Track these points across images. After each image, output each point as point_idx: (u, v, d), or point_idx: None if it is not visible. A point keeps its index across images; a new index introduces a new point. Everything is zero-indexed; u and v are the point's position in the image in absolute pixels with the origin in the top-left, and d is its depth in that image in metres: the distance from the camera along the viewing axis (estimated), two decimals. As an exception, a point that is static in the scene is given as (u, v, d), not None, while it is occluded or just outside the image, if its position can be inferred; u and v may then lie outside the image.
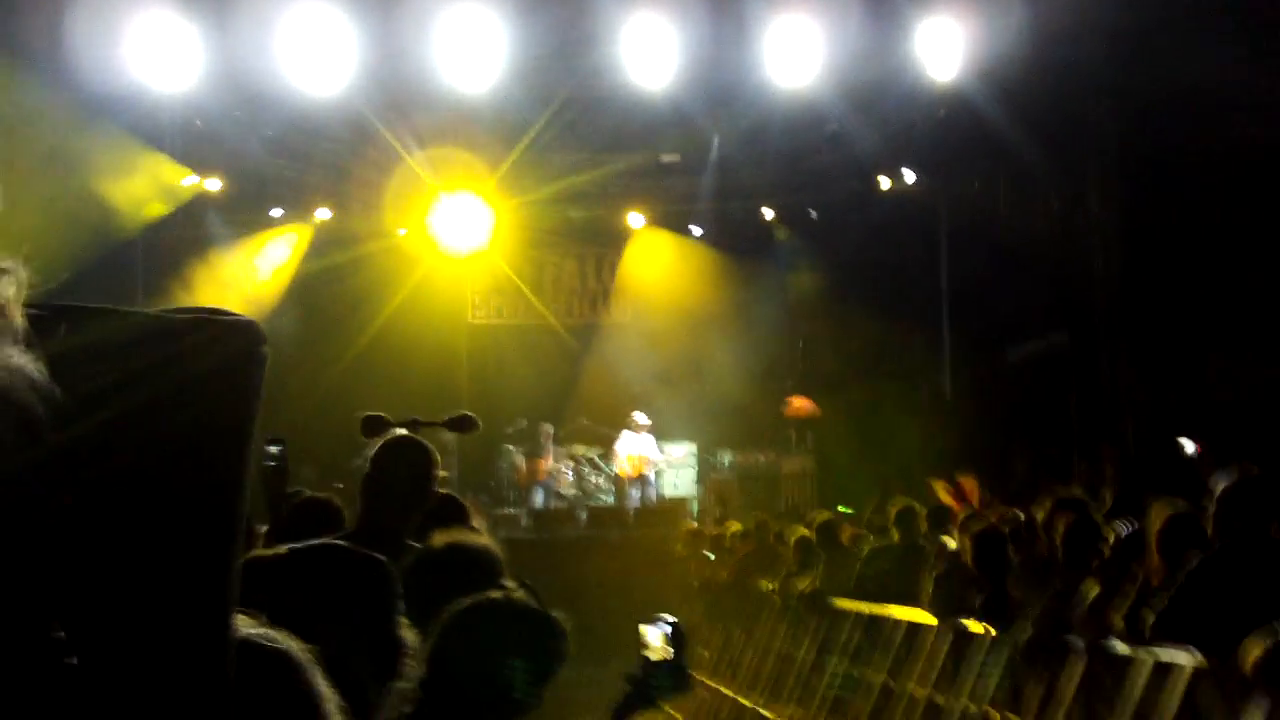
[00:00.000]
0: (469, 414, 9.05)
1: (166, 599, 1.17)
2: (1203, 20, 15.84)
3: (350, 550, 3.84)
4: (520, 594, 3.64)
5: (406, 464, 5.21)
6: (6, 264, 1.01)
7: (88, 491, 1.11)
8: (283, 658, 1.60)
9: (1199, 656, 6.80)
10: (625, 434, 22.40)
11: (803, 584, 14.01)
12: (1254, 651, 6.19)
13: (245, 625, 1.50)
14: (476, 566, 4.21)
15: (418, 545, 4.63)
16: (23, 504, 1.04)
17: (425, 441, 5.46)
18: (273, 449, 7.13)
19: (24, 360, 1.00)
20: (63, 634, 1.08)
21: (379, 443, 5.36)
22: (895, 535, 12.92)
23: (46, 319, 1.06)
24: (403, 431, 5.81)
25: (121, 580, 1.14)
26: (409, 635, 3.43)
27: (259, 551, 4.26)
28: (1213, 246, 17.09)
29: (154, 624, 1.17)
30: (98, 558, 1.12)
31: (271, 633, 1.59)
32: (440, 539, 4.44)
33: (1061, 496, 9.90)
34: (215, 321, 1.26)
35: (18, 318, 1.00)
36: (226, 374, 1.24)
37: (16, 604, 1.06)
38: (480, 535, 4.96)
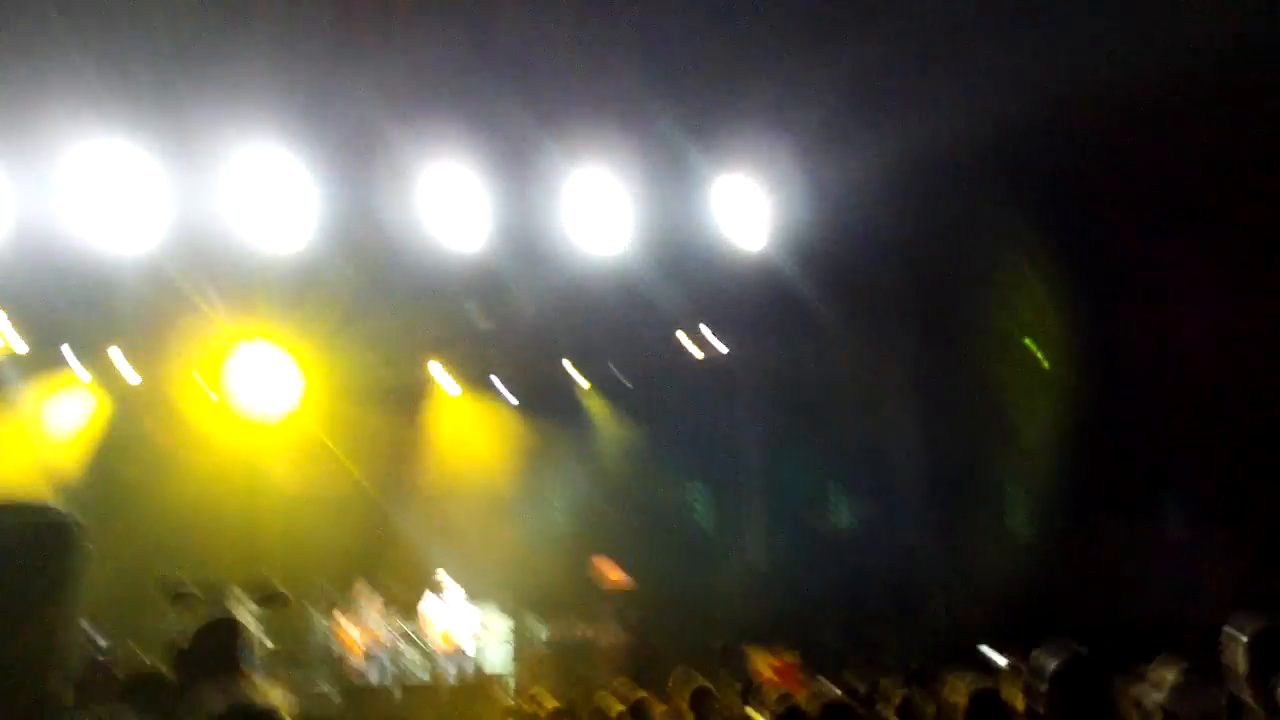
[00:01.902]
0: (280, 591, 8.88)
1: None
2: (1015, 172, 16.42)
3: None
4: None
5: (215, 641, 5.38)
6: None
7: None
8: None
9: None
10: (435, 602, 21.86)
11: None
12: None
13: None
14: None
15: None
16: None
17: (234, 619, 5.62)
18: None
19: None
20: None
21: (189, 618, 5.50)
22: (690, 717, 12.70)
23: None
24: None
25: None
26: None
27: None
28: (1002, 411, 17.52)
29: None
30: None
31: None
32: (213, 698, 4.29)
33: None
34: (37, 524, 1.30)
35: None
36: (50, 571, 1.30)
37: None
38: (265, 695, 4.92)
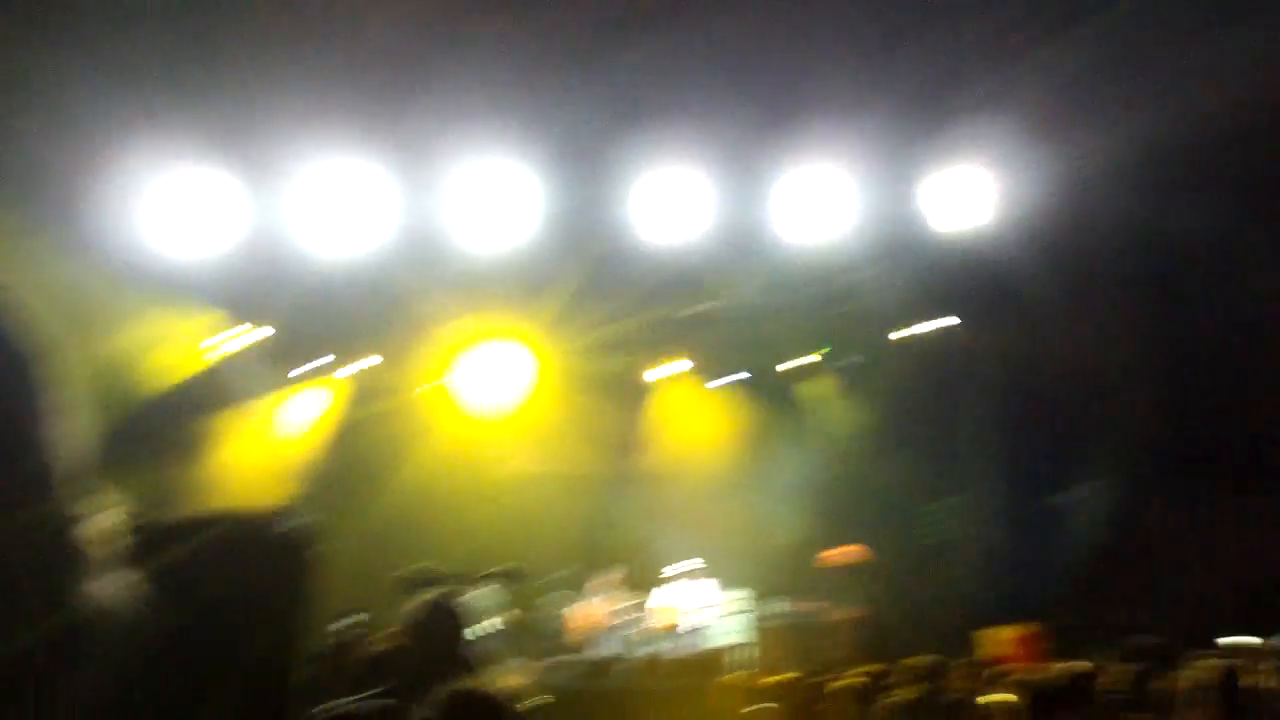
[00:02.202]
0: (517, 566, 9.15)
1: None
2: (1231, 168, 16.06)
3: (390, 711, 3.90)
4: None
5: (435, 629, 5.30)
6: (114, 498, 1.16)
7: (169, 675, 1.28)
8: None
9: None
10: (668, 584, 22.32)
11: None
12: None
13: None
14: (485, 713, 4.23)
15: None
16: (133, 694, 1.20)
17: (455, 605, 5.53)
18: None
19: (131, 578, 1.16)
20: None
21: (415, 603, 5.44)
22: (919, 689, 12.78)
23: (152, 540, 1.23)
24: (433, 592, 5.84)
25: None
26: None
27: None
28: (1245, 387, 17.14)
29: None
30: None
31: None
32: (451, 687, 4.45)
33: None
34: (274, 536, 1.43)
35: (123, 543, 1.16)
36: (290, 576, 1.42)
37: None
38: (496, 681, 4.98)
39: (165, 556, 1.28)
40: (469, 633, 5.45)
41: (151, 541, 1.25)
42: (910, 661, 13.00)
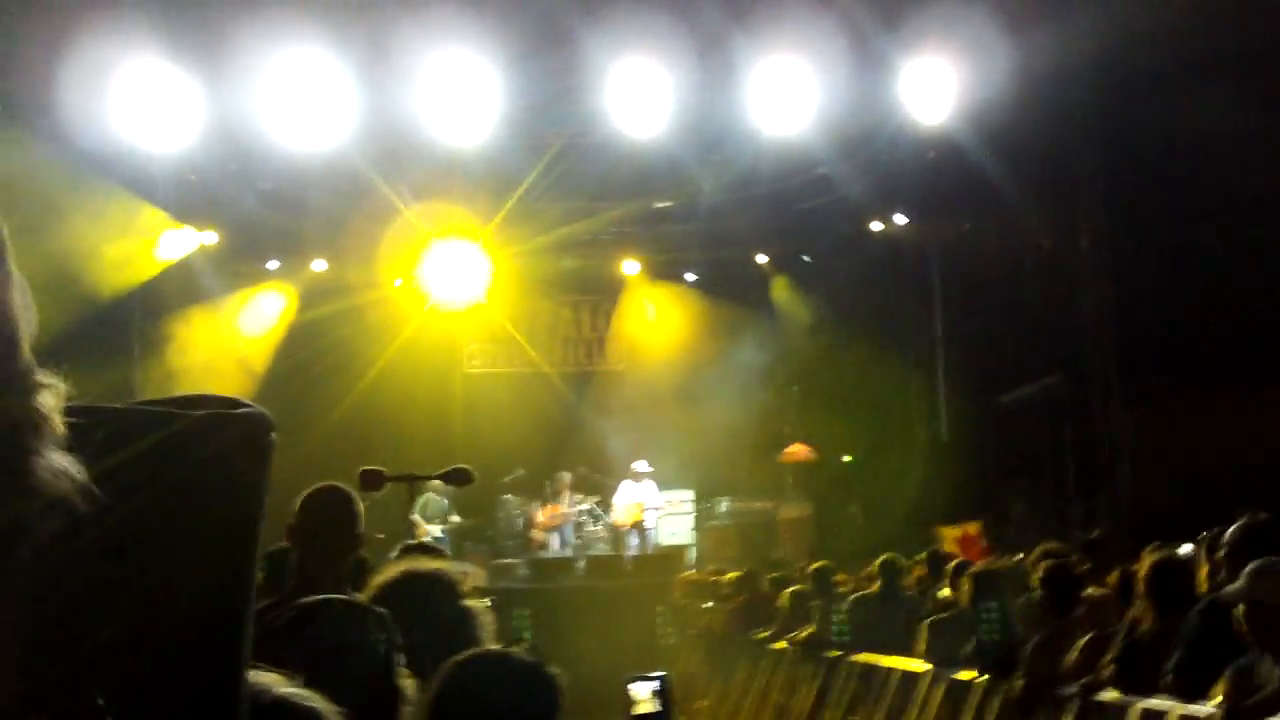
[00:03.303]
0: (465, 467, 9.12)
1: (188, 666, 1.29)
2: (1191, 63, 15.98)
3: (348, 604, 3.88)
4: (518, 649, 3.66)
5: (329, 513, 5.25)
6: (48, 379, 1.11)
7: (120, 575, 1.22)
8: (313, 716, 1.69)
9: (1188, 703, 6.82)
10: (625, 483, 22.42)
11: (800, 633, 14.02)
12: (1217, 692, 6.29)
13: (279, 685, 1.62)
14: (431, 590, 4.22)
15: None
16: (66, 590, 1.15)
17: (346, 489, 5.49)
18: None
19: (67, 464, 1.10)
20: (101, 701, 1.20)
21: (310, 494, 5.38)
22: (878, 585, 12.95)
23: (85, 425, 1.17)
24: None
25: (149, 652, 1.25)
26: (408, 684, 3.45)
27: (262, 608, 4.29)
28: (1202, 285, 17.17)
29: (178, 689, 1.29)
30: (127, 633, 1.23)
31: (303, 692, 1.68)
32: (389, 570, 4.44)
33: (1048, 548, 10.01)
34: (228, 416, 1.37)
35: (59, 426, 1.10)
36: (239, 465, 1.36)
37: (63, 676, 1.17)
38: (436, 559, 4.92)
39: (104, 441, 1.22)
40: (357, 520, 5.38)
41: (88, 427, 1.18)
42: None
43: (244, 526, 1.32)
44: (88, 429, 1.17)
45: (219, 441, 1.32)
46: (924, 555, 13.76)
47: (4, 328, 1.05)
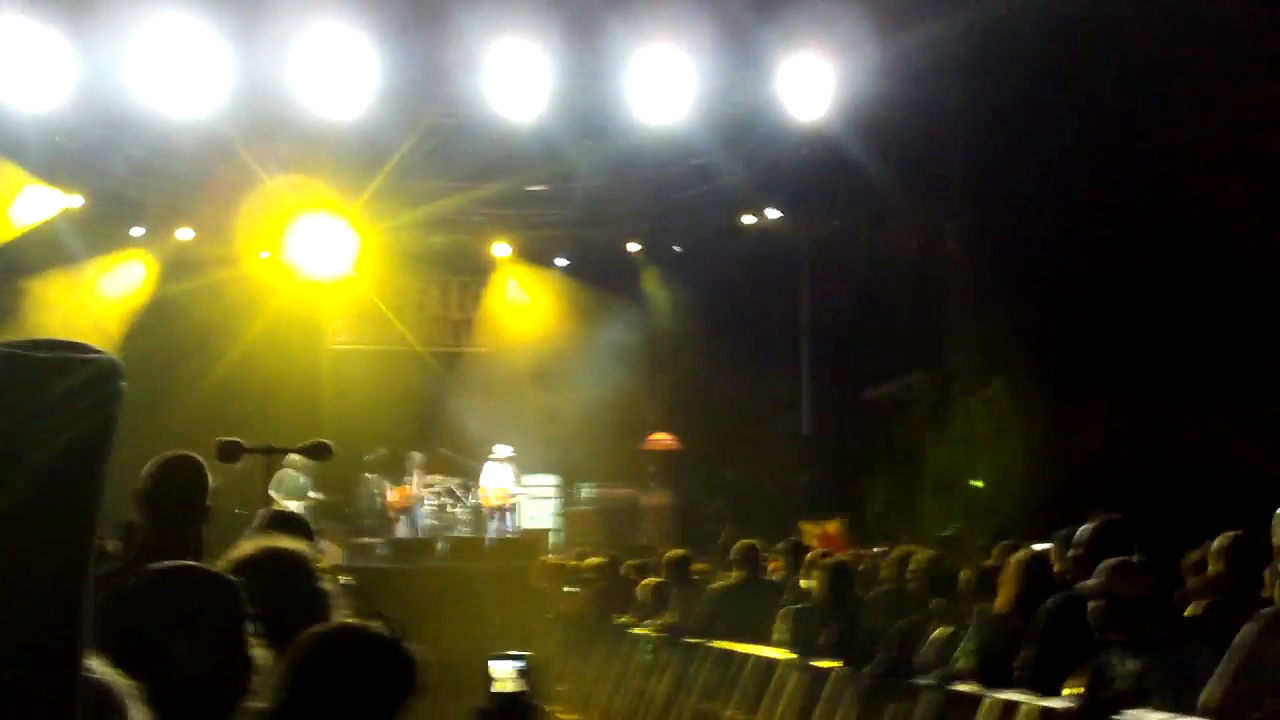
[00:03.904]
0: (325, 441, 9.02)
1: (21, 627, 1.23)
2: (1060, 63, 16.28)
3: (200, 570, 3.80)
4: (377, 624, 3.61)
5: (177, 481, 5.23)
6: None
7: None
8: (103, 691, 1.63)
9: (1044, 697, 6.94)
10: (487, 465, 22.34)
11: (658, 620, 14.07)
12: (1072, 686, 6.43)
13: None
14: (285, 569, 4.17)
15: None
16: None
17: (196, 457, 5.46)
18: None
19: None
20: None
21: (159, 461, 5.32)
22: (737, 574, 13.03)
23: None
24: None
25: None
26: (260, 654, 3.39)
27: (110, 572, 4.19)
28: (1065, 285, 17.49)
29: (11, 653, 1.22)
30: None
31: (92, 665, 1.60)
32: (249, 545, 4.39)
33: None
34: (75, 359, 1.31)
35: None
36: (85, 410, 1.30)
37: None
38: (288, 540, 4.89)
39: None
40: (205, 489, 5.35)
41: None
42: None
43: (88, 469, 1.27)
44: None
45: (65, 383, 1.26)
46: (783, 545, 13.85)
47: None
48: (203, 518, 5.31)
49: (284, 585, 3.93)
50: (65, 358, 1.30)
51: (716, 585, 13.41)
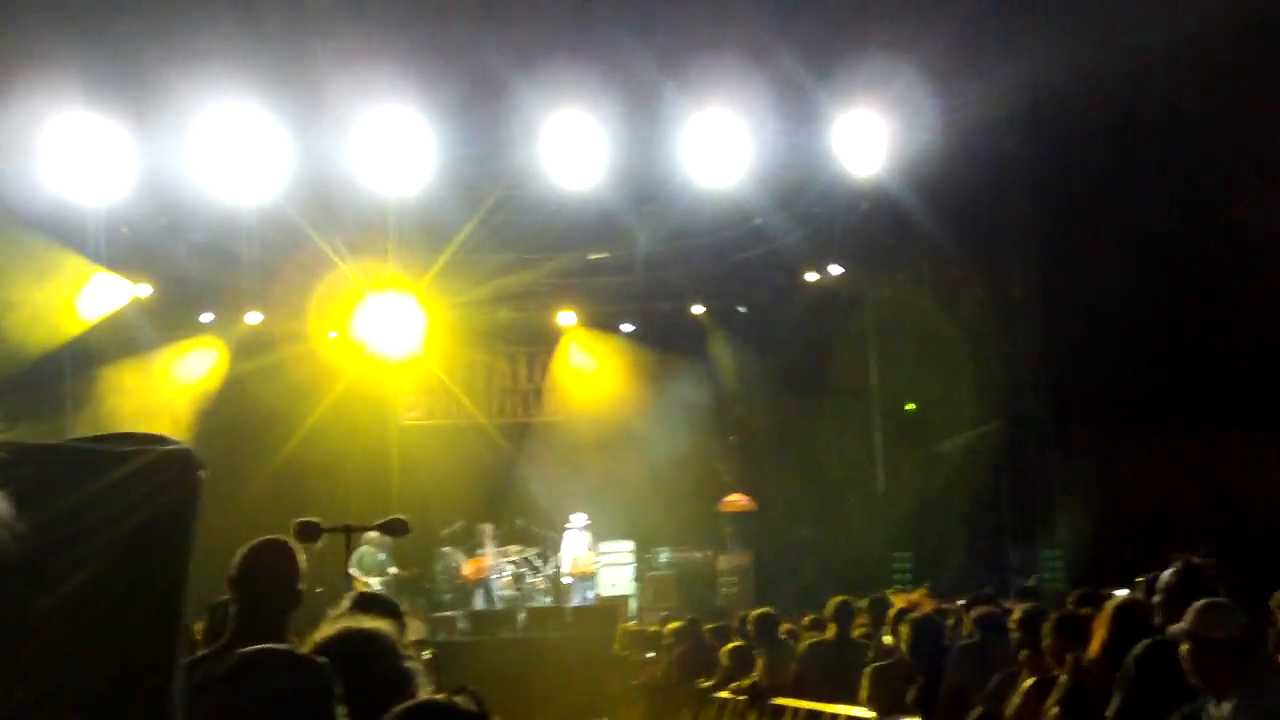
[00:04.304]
0: (400, 517, 9.07)
1: (120, 697, 1.26)
2: (1121, 114, 16.24)
3: (289, 653, 3.83)
4: (462, 698, 3.63)
5: (267, 565, 5.28)
6: None
7: (48, 609, 1.20)
8: None
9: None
10: (566, 534, 22.40)
11: (743, 681, 13.95)
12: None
13: None
14: (369, 649, 4.19)
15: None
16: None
17: (286, 541, 5.51)
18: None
19: None
20: None
21: (251, 546, 5.38)
22: (831, 630, 12.91)
23: (10, 459, 1.14)
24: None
25: (79, 681, 1.22)
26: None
27: (200, 657, 4.24)
28: (1134, 331, 17.35)
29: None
30: (58, 664, 1.20)
31: None
32: (328, 627, 4.41)
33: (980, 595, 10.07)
34: (156, 452, 1.35)
35: None
36: (168, 499, 1.34)
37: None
38: (372, 619, 4.91)
39: (34, 479, 1.19)
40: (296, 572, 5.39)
41: (11, 462, 1.16)
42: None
43: (174, 559, 1.30)
44: (11, 464, 1.16)
45: (147, 476, 1.30)
46: (867, 602, 13.72)
47: None
48: (294, 601, 5.36)
49: (369, 665, 3.95)
50: (145, 450, 1.34)
51: (808, 642, 13.28)
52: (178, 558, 1.34)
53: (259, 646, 3.58)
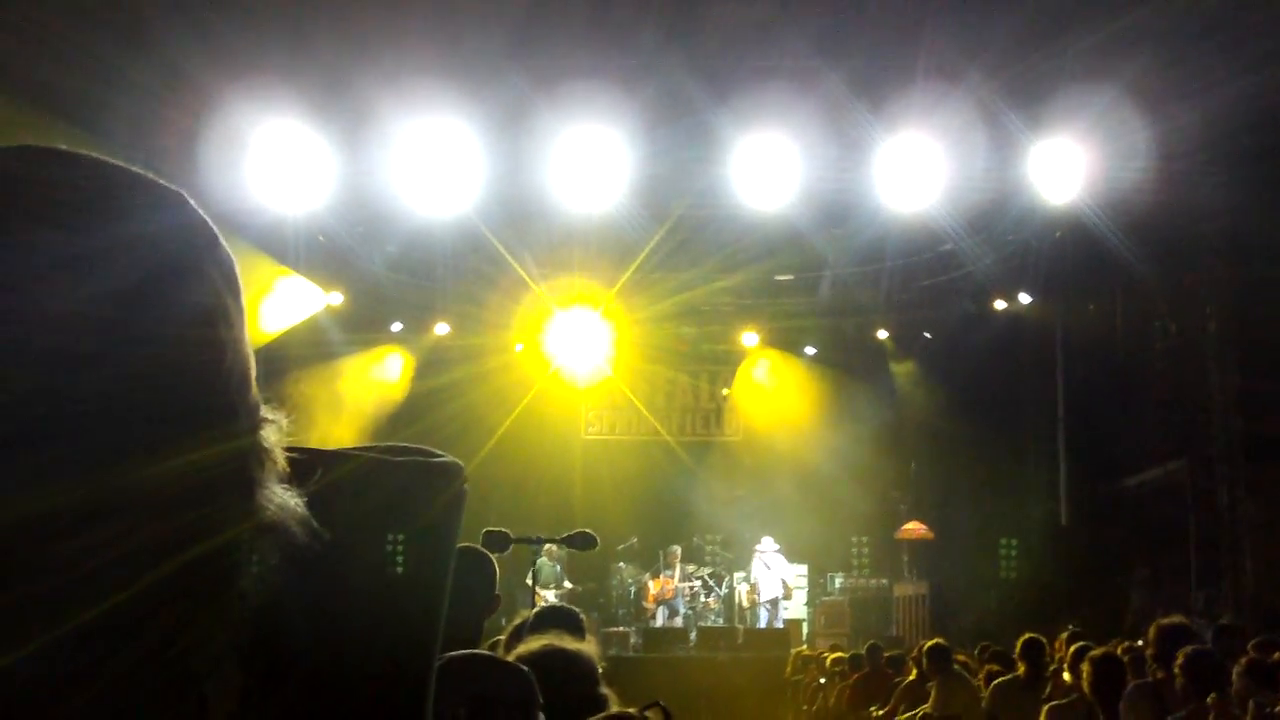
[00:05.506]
0: (588, 532, 9.14)
1: (384, 699, 1.32)
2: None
3: (494, 659, 3.90)
4: (654, 713, 3.66)
5: (463, 572, 5.34)
6: (271, 414, 1.14)
7: (333, 607, 1.25)
8: None
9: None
10: (756, 557, 22.45)
11: (916, 712, 13.79)
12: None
13: None
14: (571, 670, 4.24)
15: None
16: (282, 617, 1.17)
17: (482, 550, 5.60)
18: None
19: (290, 498, 1.13)
20: None
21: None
22: (1021, 668, 12.69)
23: (304, 462, 1.20)
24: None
25: (350, 683, 1.28)
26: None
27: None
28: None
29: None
30: (332, 663, 1.26)
31: None
32: (536, 642, 4.47)
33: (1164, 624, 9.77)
34: (432, 465, 1.41)
35: (281, 461, 1.13)
36: (440, 510, 1.39)
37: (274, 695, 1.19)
38: (577, 641, 4.97)
39: (324, 482, 1.25)
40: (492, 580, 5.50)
41: (308, 465, 1.22)
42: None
43: (440, 567, 1.36)
44: (307, 466, 1.22)
45: (425, 486, 1.36)
46: (1065, 636, 13.46)
47: (239, 362, 1.08)
48: (489, 609, 5.46)
49: (569, 685, 4.00)
50: (423, 461, 1.40)
51: (999, 681, 13.05)
52: (444, 565, 1.40)
53: (464, 652, 3.65)
